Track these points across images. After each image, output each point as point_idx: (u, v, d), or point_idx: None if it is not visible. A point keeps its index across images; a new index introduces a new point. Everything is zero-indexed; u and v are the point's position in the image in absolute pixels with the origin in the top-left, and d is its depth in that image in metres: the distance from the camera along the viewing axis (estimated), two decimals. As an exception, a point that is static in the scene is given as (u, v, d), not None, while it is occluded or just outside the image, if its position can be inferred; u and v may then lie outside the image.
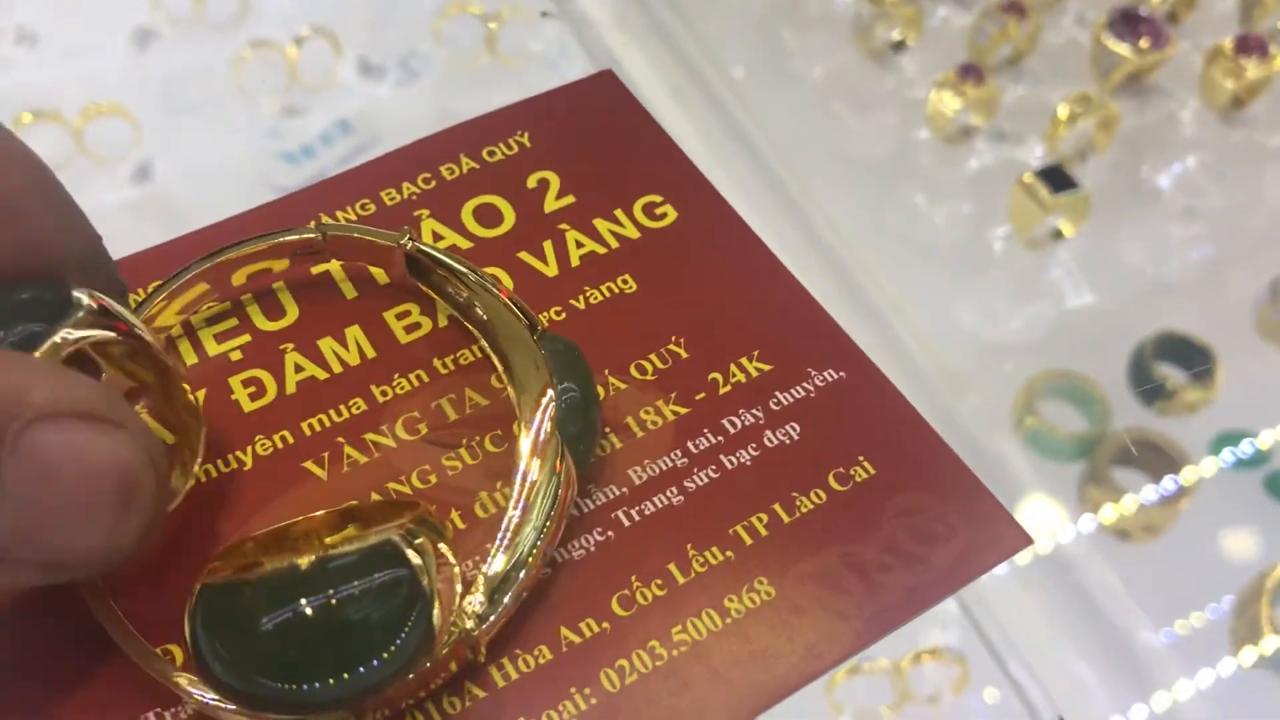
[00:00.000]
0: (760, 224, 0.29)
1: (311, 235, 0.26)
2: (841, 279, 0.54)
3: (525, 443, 0.23)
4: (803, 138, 0.61)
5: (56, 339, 0.20)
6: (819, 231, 0.56)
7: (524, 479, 0.22)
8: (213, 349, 0.26)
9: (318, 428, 0.24)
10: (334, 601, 0.19)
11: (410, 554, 0.20)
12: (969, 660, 0.47)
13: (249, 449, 0.24)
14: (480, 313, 0.25)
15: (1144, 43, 0.58)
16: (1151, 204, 0.57)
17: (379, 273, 0.27)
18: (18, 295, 0.21)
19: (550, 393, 0.23)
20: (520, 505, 0.22)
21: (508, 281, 0.27)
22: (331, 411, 0.25)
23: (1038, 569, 0.48)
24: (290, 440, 0.24)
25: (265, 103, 0.62)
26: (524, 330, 0.24)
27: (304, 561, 0.19)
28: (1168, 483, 0.50)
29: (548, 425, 0.23)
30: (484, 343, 0.25)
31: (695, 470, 0.24)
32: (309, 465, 0.24)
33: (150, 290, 0.25)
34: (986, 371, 0.54)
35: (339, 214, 0.28)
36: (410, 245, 0.25)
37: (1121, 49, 0.58)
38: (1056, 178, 0.54)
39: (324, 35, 0.62)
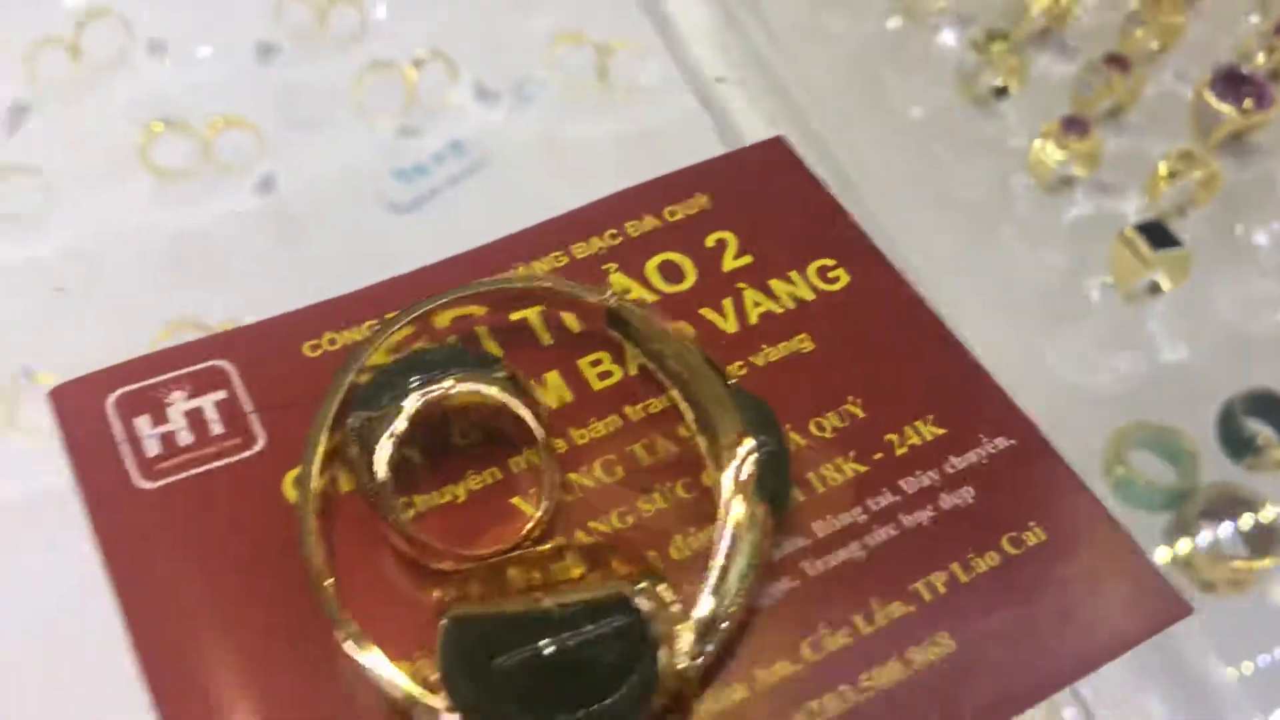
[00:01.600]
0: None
1: (522, 286, 0.28)
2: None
3: (727, 488, 0.25)
4: (900, 177, 0.63)
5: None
6: (913, 267, 0.57)
7: (729, 525, 0.24)
8: (421, 387, 0.28)
9: (524, 465, 0.26)
10: (571, 644, 0.21)
11: (640, 601, 0.22)
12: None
13: (461, 483, 0.26)
14: (673, 364, 0.27)
15: (1247, 104, 0.59)
16: (1248, 261, 0.59)
17: (571, 319, 0.29)
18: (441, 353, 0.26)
19: (750, 443, 0.25)
20: (725, 550, 0.24)
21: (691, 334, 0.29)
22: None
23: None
24: (499, 476, 0.26)
25: (383, 121, 0.64)
26: (719, 385, 0.26)
27: (545, 605, 0.21)
28: (1254, 537, 0.51)
29: (751, 475, 0.24)
30: (674, 393, 0.27)
31: (875, 527, 0.26)
32: (517, 501, 0.26)
33: (370, 331, 0.28)
34: (1076, 419, 0.56)
35: (535, 263, 0.30)
36: (613, 301, 0.27)
37: (1224, 108, 0.59)
38: (1158, 234, 0.55)
39: (442, 59, 0.64)
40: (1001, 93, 0.64)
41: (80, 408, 0.27)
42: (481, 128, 0.65)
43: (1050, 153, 0.60)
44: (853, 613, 0.25)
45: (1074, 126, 0.59)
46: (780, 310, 0.29)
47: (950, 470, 0.27)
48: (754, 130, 0.64)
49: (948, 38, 0.68)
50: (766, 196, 0.32)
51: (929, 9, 0.68)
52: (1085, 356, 0.57)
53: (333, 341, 0.29)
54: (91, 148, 0.64)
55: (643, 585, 0.22)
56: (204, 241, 0.61)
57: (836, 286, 0.30)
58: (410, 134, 0.65)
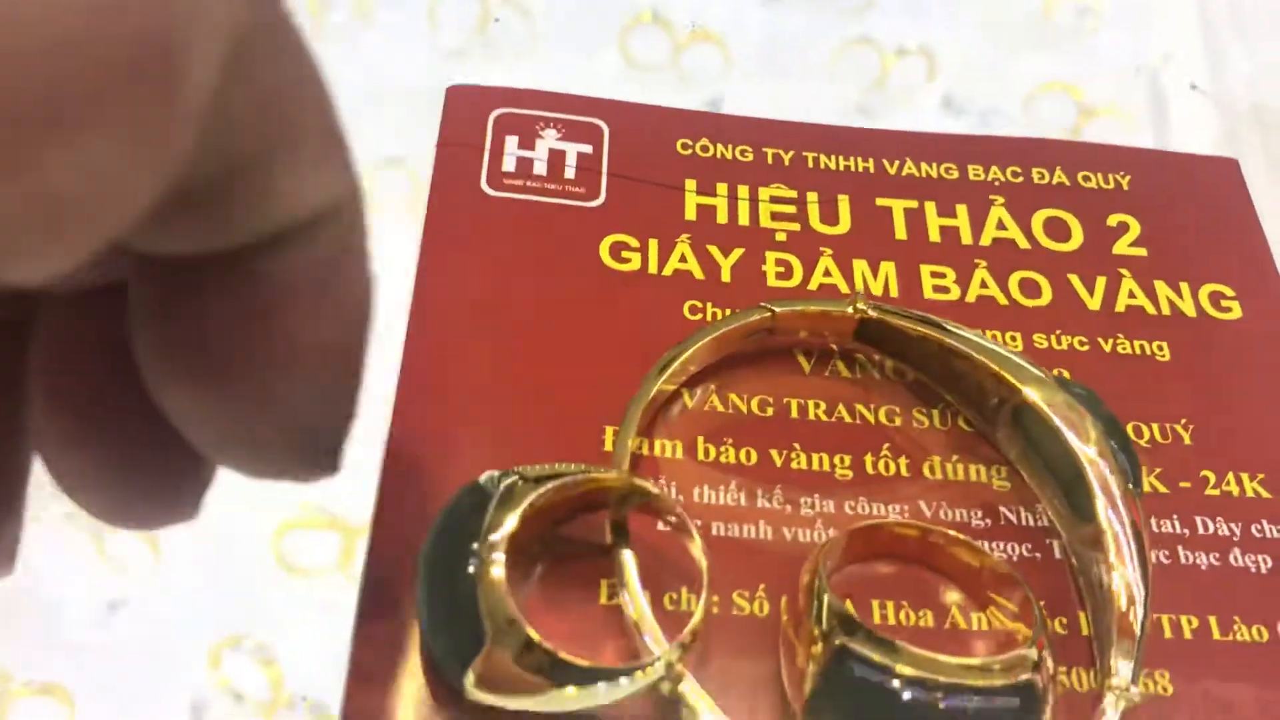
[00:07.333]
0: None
1: (762, 316, 0.25)
2: None
3: (1110, 517, 0.22)
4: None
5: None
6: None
7: (1126, 558, 0.21)
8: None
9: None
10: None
11: (1036, 679, 0.19)
12: None
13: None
14: (957, 367, 0.24)
15: None
16: None
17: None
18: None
19: (1112, 452, 0.22)
20: (1140, 590, 0.21)
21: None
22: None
23: None
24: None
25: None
26: (1044, 377, 0.23)
27: (943, 672, 0.19)
28: None
29: (1123, 490, 0.22)
30: (957, 401, 0.25)
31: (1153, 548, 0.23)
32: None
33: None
34: None
35: (939, 166, 0.29)
36: (861, 312, 0.24)
37: None
38: None
39: (925, 54, 0.63)
40: None
41: (467, 110, 0.29)
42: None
43: None
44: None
45: None
46: (1153, 312, 0.27)
47: (1255, 535, 0.23)
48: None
49: None
50: (1191, 205, 0.29)
51: None
52: None
53: (705, 149, 0.29)
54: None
55: (1035, 656, 0.20)
56: None
57: (1224, 316, 0.27)
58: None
